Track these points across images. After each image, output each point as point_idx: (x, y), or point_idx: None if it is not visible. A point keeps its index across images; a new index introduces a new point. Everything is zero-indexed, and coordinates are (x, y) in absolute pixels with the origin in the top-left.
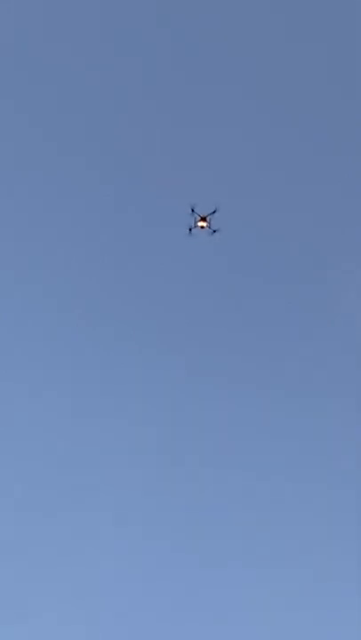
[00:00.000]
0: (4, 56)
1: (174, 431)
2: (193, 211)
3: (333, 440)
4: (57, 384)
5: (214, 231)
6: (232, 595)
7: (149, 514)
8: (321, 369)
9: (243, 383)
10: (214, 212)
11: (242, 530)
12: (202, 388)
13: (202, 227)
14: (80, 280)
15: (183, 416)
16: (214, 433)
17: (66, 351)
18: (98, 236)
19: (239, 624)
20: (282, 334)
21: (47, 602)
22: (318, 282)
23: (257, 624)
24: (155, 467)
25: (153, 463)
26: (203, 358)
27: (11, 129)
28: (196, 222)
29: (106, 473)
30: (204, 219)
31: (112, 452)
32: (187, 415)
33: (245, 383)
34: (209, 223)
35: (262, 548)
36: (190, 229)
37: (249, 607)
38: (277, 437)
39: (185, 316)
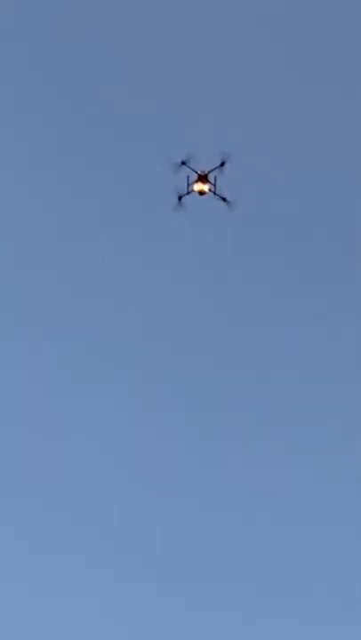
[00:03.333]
0: None
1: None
2: (184, 164)
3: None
4: None
5: (224, 200)
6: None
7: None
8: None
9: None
10: (223, 165)
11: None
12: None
13: (201, 192)
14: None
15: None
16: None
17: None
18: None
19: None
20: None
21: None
22: None
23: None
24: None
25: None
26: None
27: None
28: (190, 184)
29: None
30: (204, 177)
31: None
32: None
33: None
34: (214, 185)
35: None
36: (180, 197)
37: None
38: None
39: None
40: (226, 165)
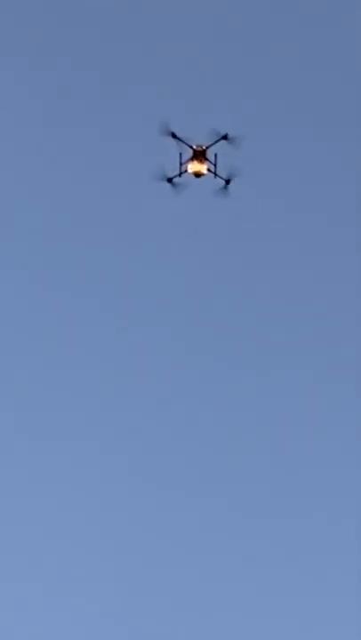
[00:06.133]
0: None
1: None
2: (175, 136)
3: None
4: None
5: (227, 182)
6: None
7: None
8: None
9: None
10: (225, 137)
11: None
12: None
13: (197, 173)
14: None
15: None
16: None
17: None
18: None
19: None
20: None
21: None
22: None
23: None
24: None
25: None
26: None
27: None
28: (184, 163)
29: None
30: (201, 154)
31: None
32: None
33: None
34: (213, 164)
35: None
36: (171, 179)
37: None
38: None
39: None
40: (228, 139)
